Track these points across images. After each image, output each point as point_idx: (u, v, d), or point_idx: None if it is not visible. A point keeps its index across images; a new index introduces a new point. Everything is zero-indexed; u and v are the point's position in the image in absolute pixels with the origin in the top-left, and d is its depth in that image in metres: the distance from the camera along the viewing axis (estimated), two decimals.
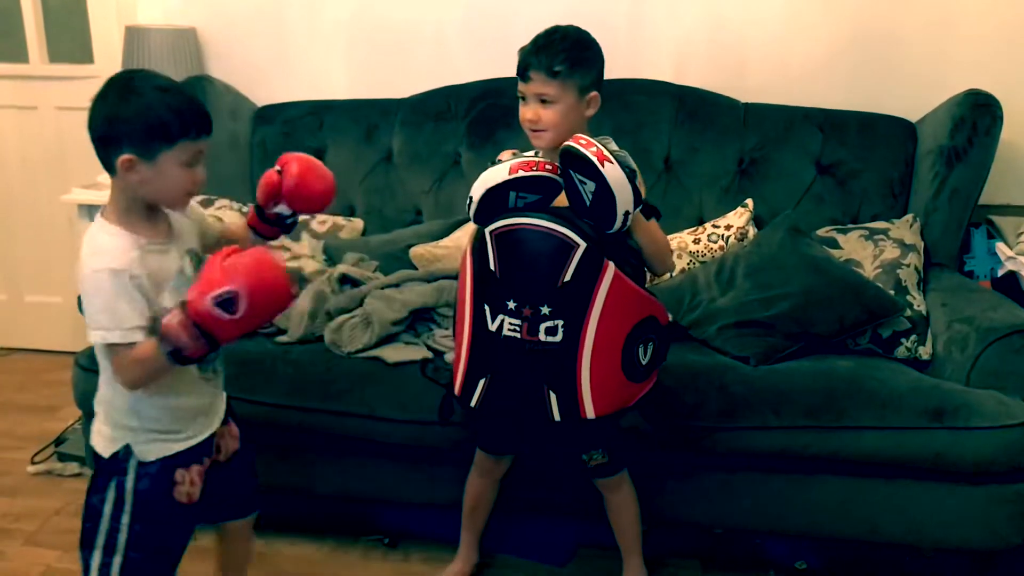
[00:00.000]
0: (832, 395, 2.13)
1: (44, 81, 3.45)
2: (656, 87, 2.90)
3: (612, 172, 1.65)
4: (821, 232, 2.64)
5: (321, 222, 2.95)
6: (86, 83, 3.40)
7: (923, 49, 2.86)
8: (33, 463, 2.83)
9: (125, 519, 1.61)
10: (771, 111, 2.83)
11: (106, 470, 1.63)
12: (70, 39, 3.53)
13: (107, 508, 1.62)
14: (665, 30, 3.01)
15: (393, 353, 2.29)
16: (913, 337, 2.33)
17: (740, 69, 2.98)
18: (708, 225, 2.69)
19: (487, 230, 1.79)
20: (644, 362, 1.84)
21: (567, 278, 1.73)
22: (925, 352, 2.33)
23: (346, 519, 2.48)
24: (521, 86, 1.88)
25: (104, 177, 3.14)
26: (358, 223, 3.00)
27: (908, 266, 2.46)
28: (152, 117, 1.49)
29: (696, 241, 2.65)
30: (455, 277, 2.52)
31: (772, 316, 2.30)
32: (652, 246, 1.85)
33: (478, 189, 1.77)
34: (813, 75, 2.94)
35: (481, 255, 1.81)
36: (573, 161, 1.68)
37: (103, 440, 1.64)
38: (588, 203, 1.69)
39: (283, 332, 2.42)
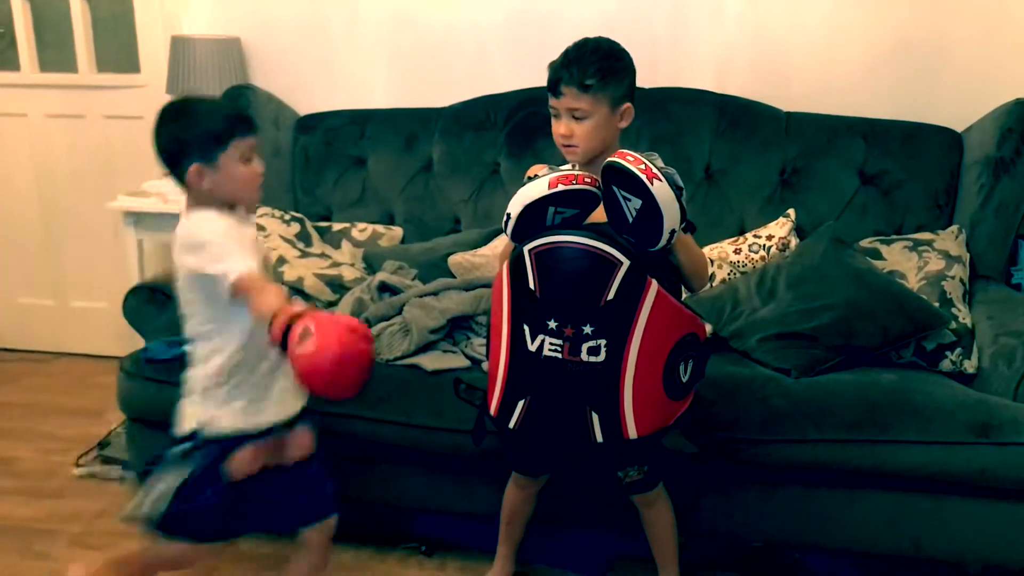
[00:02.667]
0: (875, 408, 2.10)
1: (92, 90, 3.51)
2: (697, 96, 2.88)
3: (661, 190, 1.61)
4: (864, 243, 2.61)
5: (361, 230, 2.97)
6: (133, 92, 3.47)
7: (969, 58, 2.82)
8: (78, 466, 2.88)
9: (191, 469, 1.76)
10: (814, 120, 2.81)
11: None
12: (117, 49, 3.60)
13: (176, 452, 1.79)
14: (707, 39, 2.99)
15: (431, 361, 2.30)
16: (958, 350, 2.29)
17: (782, 78, 2.96)
18: (749, 235, 2.67)
19: (526, 248, 1.75)
20: (684, 380, 1.81)
21: (610, 296, 1.69)
22: (970, 366, 2.28)
23: (384, 526, 2.48)
24: (553, 101, 1.86)
25: (149, 184, 3.22)
26: (397, 231, 3.02)
27: (953, 278, 2.42)
28: (204, 126, 1.73)
29: (737, 251, 2.63)
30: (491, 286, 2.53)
31: (814, 328, 2.28)
32: (690, 263, 1.83)
33: (516, 205, 1.74)
34: (857, 84, 2.91)
35: (519, 274, 1.76)
36: (617, 177, 1.65)
37: (193, 410, 1.80)
38: (631, 220, 1.67)
39: None
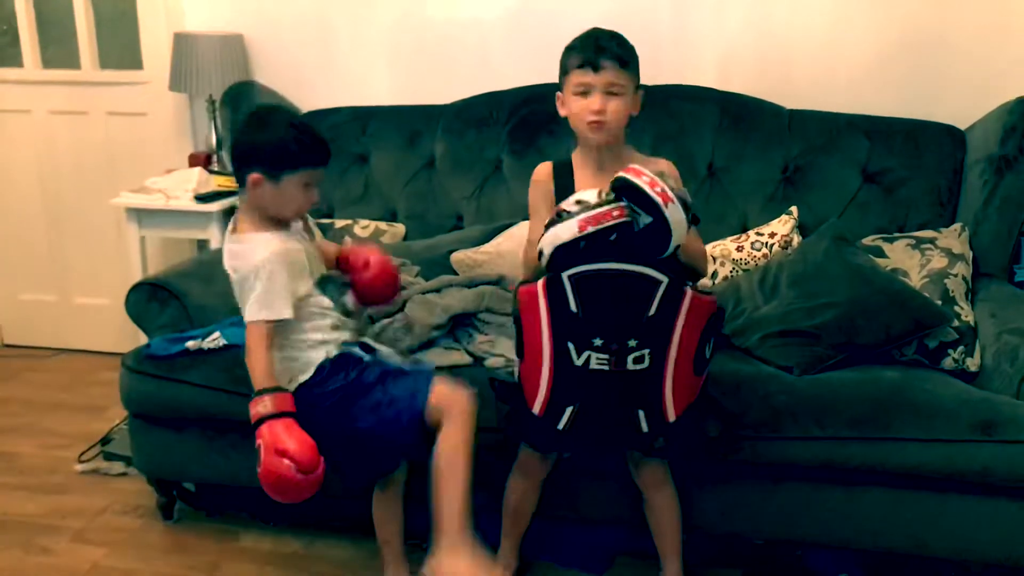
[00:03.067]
0: (877, 406, 2.10)
1: (95, 87, 3.52)
2: (700, 93, 2.88)
3: (674, 214, 1.69)
4: (867, 241, 2.60)
5: (363, 227, 2.97)
6: (136, 89, 3.48)
7: (973, 55, 2.82)
8: (80, 462, 2.89)
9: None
10: (816, 118, 2.80)
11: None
12: (120, 46, 3.60)
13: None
14: (709, 36, 2.99)
15: (433, 358, 2.30)
16: (961, 348, 2.29)
17: (785, 75, 2.95)
18: (752, 233, 2.67)
19: (564, 275, 1.78)
20: (708, 356, 1.91)
21: (652, 312, 1.78)
22: (973, 364, 2.28)
23: None
24: (588, 77, 1.89)
25: (152, 181, 3.22)
26: (400, 228, 3.02)
27: (956, 276, 2.42)
28: (282, 146, 1.83)
29: (739, 249, 2.63)
30: (496, 283, 2.53)
31: (817, 325, 2.27)
32: (690, 257, 1.90)
33: (547, 246, 1.79)
34: (860, 81, 2.91)
35: (558, 296, 1.81)
36: (629, 191, 1.70)
37: None
38: (637, 229, 1.72)
39: None
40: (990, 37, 2.80)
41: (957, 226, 2.59)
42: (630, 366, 1.81)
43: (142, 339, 2.59)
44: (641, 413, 1.87)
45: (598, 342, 1.80)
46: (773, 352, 2.30)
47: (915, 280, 2.43)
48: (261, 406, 1.79)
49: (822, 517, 2.17)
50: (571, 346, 1.82)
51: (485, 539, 2.28)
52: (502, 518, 2.22)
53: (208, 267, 2.77)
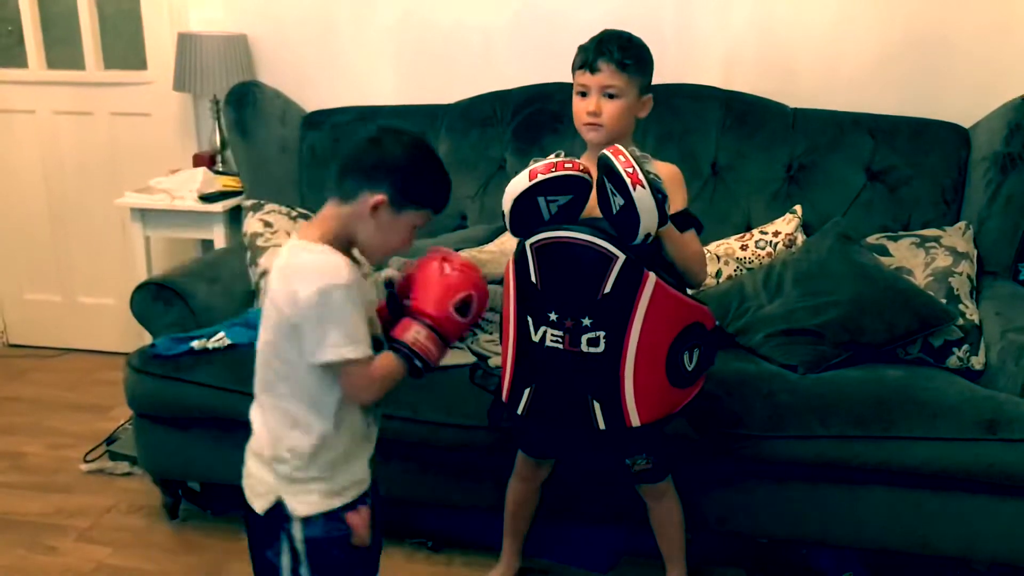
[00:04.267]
0: (882, 404, 2.10)
1: (99, 87, 3.52)
2: (704, 92, 2.88)
3: (641, 196, 1.67)
4: (871, 239, 2.60)
5: None
6: (140, 89, 3.48)
7: (977, 54, 2.81)
8: (85, 461, 2.89)
9: (304, 571, 1.57)
10: (820, 116, 2.80)
11: (270, 522, 1.57)
12: (124, 46, 3.61)
13: (284, 561, 1.58)
14: (713, 35, 2.99)
15: None
16: (965, 347, 2.29)
17: (789, 74, 2.95)
18: (756, 231, 2.67)
19: (527, 243, 1.80)
20: (690, 368, 1.83)
21: (607, 290, 1.73)
22: (978, 362, 2.28)
23: (391, 521, 2.48)
24: (585, 78, 1.90)
25: (156, 181, 3.23)
26: None
27: (960, 274, 2.41)
28: (427, 182, 1.58)
29: (744, 247, 2.62)
30: (500, 282, 2.53)
31: (821, 324, 2.27)
32: (682, 260, 1.84)
33: (506, 201, 1.79)
34: (864, 80, 2.90)
35: (522, 267, 1.82)
36: (608, 172, 1.70)
37: (263, 488, 1.58)
38: (614, 212, 1.72)
39: None
40: (994, 35, 2.80)
41: (961, 224, 2.59)
42: (584, 347, 1.76)
43: (147, 339, 2.60)
44: (596, 405, 1.79)
45: (553, 316, 1.77)
46: (777, 351, 2.30)
47: (919, 278, 2.43)
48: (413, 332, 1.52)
49: (826, 516, 2.17)
50: (530, 320, 1.81)
51: (488, 538, 2.30)
52: (503, 519, 2.22)
53: (213, 267, 2.78)
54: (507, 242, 2.73)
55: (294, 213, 2.90)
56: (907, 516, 2.12)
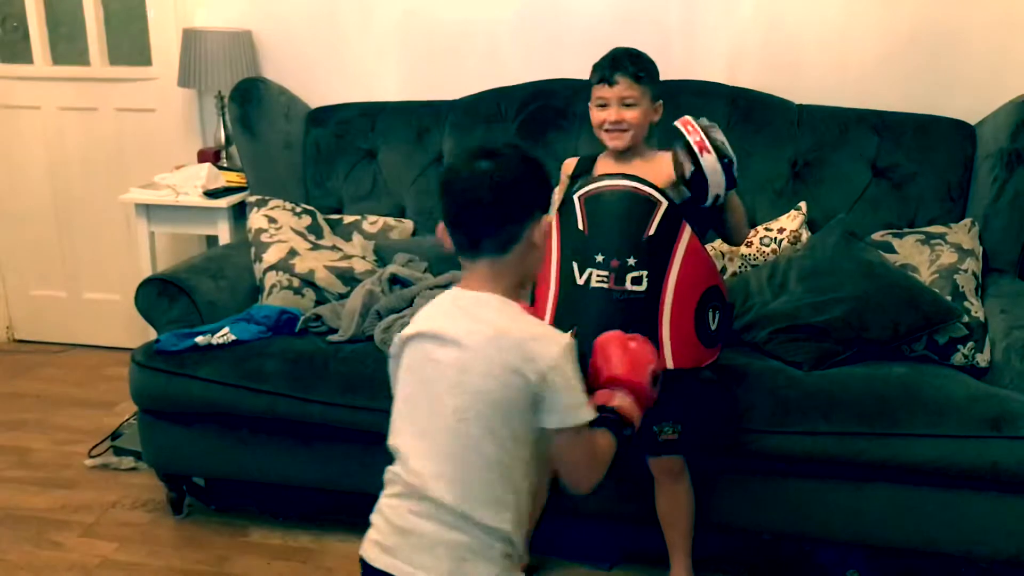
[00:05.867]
0: (886, 402, 2.10)
1: (104, 83, 3.53)
2: (709, 88, 2.87)
3: (708, 161, 1.89)
4: (876, 236, 2.60)
5: (372, 223, 2.98)
6: (145, 85, 3.49)
7: (983, 50, 2.80)
8: (90, 457, 2.90)
9: None
10: (826, 113, 2.79)
11: None
12: (129, 42, 3.61)
13: None
14: (718, 31, 2.98)
15: None
16: (970, 344, 2.28)
17: (794, 70, 2.94)
18: (761, 228, 2.67)
19: (575, 196, 2.02)
20: (713, 328, 2.00)
21: (651, 232, 1.94)
22: (983, 359, 2.28)
23: None
24: (604, 91, 2.13)
25: (161, 177, 3.23)
26: (408, 224, 3.02)
27: (966, 271, 2.41)
28: (544, 176, 1.43)
29: (748, 244, 2.62)
30: None
31: (825, 321, 2.27)
32: (738, 219, 2.14)
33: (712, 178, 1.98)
34: (869, 76, 2.89)
35: (568, 217, 2.03)
36: (680, 140, 1.94)
37: None
38: (687, 177, 1.96)
39: (335, 331, 2.45)
40: (1000, 32, 2.79)
41: (967, 221, 2.58)
42: (628, 286, 1.92)
43: (152, 334, 2.60)
44: None
45: (599, 258, 1.94)
46: (782, 348, 2.29)
47: (925, 276, 2.42)
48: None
49: (829, 513, 2.17)
50: (575, 265, 1.97)
51: None
52: None
53: (217, 263, 2.78)
54: None
55: (298, 209, 2.90)
56: (911, 513, 2.12)
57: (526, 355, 1.32)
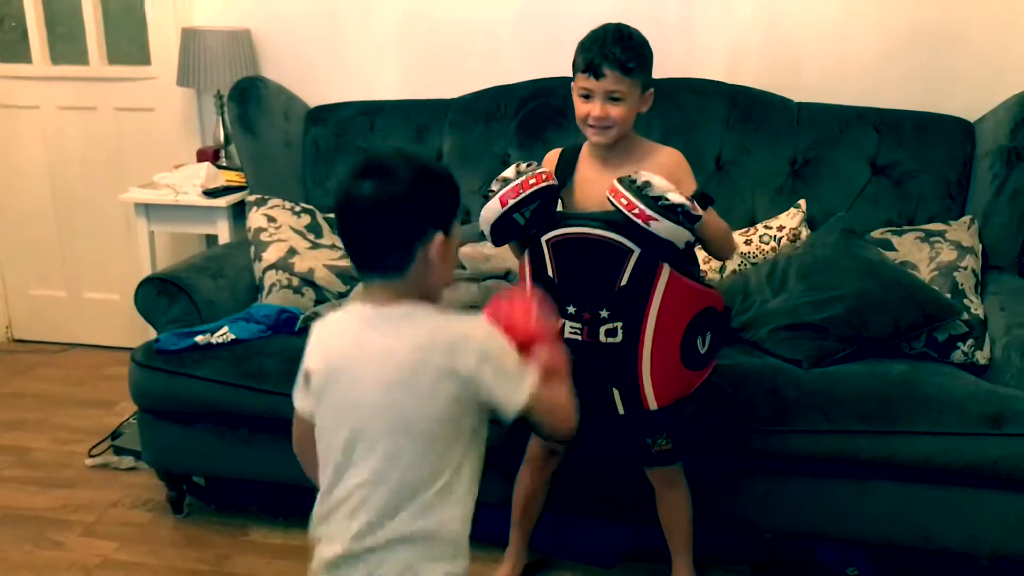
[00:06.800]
0: (886, 399, 2.10)
1: (103, 83, 3.52)
2: (708, 86, 2.87)
3: (659, 228, 1.71)
4: (876, 234, 2.60)
5: None
6: (144, 84, 3.48)
7: (982, 48, 2.80)
8: (90, 456, 2.90)
9: None
10: (825, 111, 2.79)
11: None
12: (128, 42, 3.60)
13: None
14: (718, 29, 2.98)
15: None
16: (970, 341, 2.28)
17: (794, 68, 2.94)
18: (760, 226, 2.67)
19: (543, 239, 1.84)
20: (703, 351, 1.91)
21: (624, 283, 1.79)
22: (983, 357, 2.27)
23: None
24: (588, 83, 1.88)
25: (160, 176, 3.23)
26: None
27: (965, 269, 2.41)
28: (453, 191, 1.39)
29: (748, 242, 2.62)
30: (504, 277, 2.54)
31: (825, 319, 2.27)
32: (715, 241, 1.92)
33: (483, 225, 1.85)
34: (869, 74, 2.89)
35: (538, 262, 1.87)
36: (619, 214, 1.75)
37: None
38: (646, 239, 1.76)
39: None
40: (999, 29, 2.79)
41: (967, 219, 2.58)
42: (602, 338, 1.82)
43: (151, 334, 2.60)
44: (616, 392, 1.87)
45: (571, 309, 1.83)
46: (782, 345, 2.29)
47: (924, 273, 2.42)
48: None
49: (831, 510, 2.17)
50: None
51: (495, 533, 2.30)
52: (511, 511, 2.22)
53: (217, 262, 2.78)
54: None
55: (298, 208, 2.90)
56: (912, 510, 2.12)
57: (453, 359, 1.31)
